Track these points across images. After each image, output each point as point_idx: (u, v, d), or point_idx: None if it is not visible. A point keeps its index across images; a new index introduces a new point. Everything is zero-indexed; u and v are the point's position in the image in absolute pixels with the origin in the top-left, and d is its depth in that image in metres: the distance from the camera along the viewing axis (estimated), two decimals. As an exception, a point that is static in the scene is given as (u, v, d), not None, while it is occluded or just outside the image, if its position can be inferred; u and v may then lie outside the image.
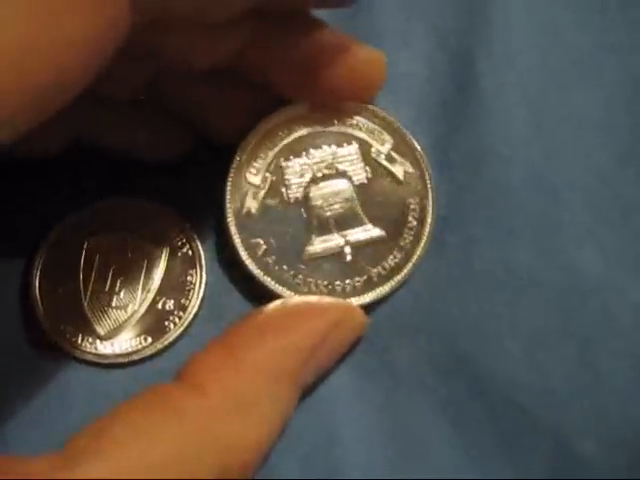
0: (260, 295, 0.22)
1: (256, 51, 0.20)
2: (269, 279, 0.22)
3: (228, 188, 0.22)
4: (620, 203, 0.23)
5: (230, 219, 0.22)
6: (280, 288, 0.22)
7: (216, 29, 0.19)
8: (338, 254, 0.22)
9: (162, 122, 0.22)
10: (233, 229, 0.22)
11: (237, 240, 0.22)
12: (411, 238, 0.22)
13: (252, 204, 0.22)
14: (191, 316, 0.22)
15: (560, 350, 0.21)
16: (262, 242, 0.22)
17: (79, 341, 0.22)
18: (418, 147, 0.22)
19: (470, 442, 0.21)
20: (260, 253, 0.22)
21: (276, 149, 0.22)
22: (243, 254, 0.22)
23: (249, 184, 0.22)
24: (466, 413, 0.21)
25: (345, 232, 0.22)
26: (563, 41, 0.24)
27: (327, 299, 0.21)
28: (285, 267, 0.22)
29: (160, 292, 0.23)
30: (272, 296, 0.22)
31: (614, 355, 0.21)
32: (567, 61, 0.24)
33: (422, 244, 0.22)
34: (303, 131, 0.22)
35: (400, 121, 0.23)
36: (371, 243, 0.22)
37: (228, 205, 0.22)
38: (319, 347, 0.19)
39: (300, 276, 0.22)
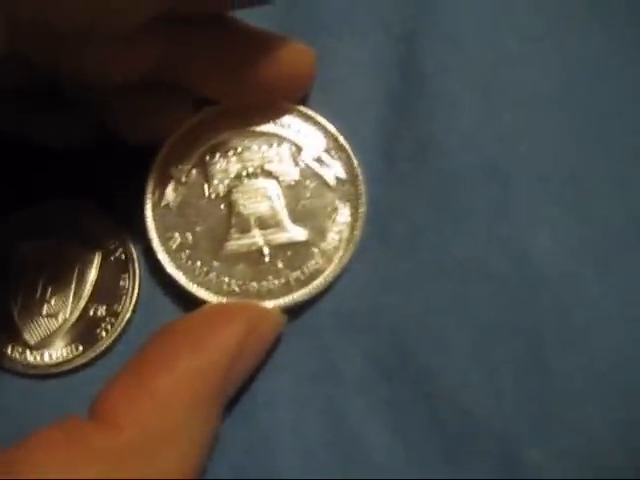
0: (191, 298, 0.21)
1: (176, 57, 0.20)
2: (180, 274, 0.21)
3: (150, 180, 0.21)
4: (575, 184, 0.21)
5: (148, 211, 0.21)
6: (190, 285, 0.21)
7: (127, 42, 0.19)
8: (256, 254, 0.21)
9: (66, 114, 0.22)
10: (149, 221, 0.21)
11: (152, 232, 0.21)
12: (336, 244, 0.21)
13: (172, 197, 0.21)
14: (124, 323, 0.21)
15: (509, 348, 0.20)
16: (177, 235, 0.21)
17: (9, 351, 0.21)
18: (351, 151, 0.22)
19: (412, 447, 0.19)
20: (174, 247, 0.21)
21: (203, 146, 0.22)
22: (157, 247, 0.21)
23: (171, 178, 0.21)
24: (409, 416, 0.20)
25: (266, 232, 0.21)
26: (515, 21, 0.23)
27: (239, 303, 0.20)
28: (199, 263, 0.21)
29: (92, 299, 0.22)
30: (189, 299, 0.21)
31: (566, 355, 0.19)
32: (517, 40, 0.22)
33: (348, 251, 0.21)
34: (232, 129, 0.22)
35: (340, 113, 0.22)
36: (292, 246, 0.21)
37: (148, 197, 0.21)
38: (236, 360, 0.18)
39: (213, 273, 0.21)
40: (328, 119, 0.22)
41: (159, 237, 0.21)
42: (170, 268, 0.21)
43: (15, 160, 0.22)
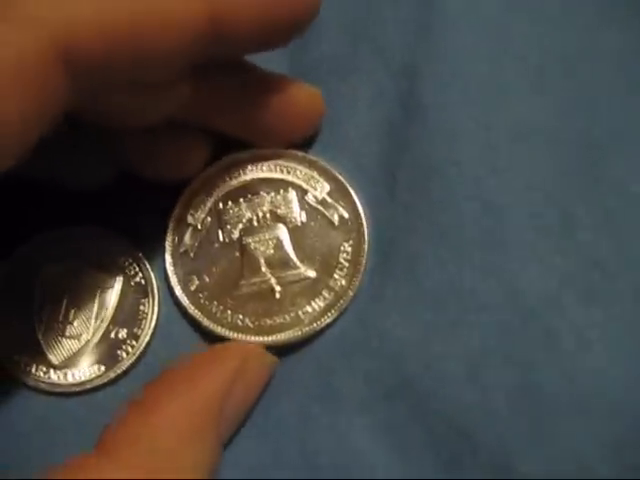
0: (204, 329, 0.23)
1: (198, 99, 0.21)
2: (198, 313, 0.23)
3: (170, 227, 0.23)
4: (564, 221, 0.22)
5: (167, 256, 0.23)
6: (208, 322, 0.22)
7: (158, 88, 0.20)
8: (268, 292, 0.23)
9: (84, 154, 0.23)
10: (169, 266, 0.23)
11: (172, 276, 0.23)
12: (342, 280, 0.23)
13: (189, 243, 0.23)
14: (144, 345, 0.23)
15: (502, 373, 0.21)
16: (195, 278, 0.23)
17: (33, 370, 0.23)
18: (352, 192, 0.23)
19: (411, 464, 0.21)
20: (193, 288, 0.23)
21: (216, 194, 0.24)
22: (177, 289, 0.23)
23: (189, 226, 0.23)
24: (407, 437, 0.21)
25: (276, 271, 0.23)
26: (510, 55, 0.24)
27: (233, 345, 0.22)
28: (215, 303, 0.23)
29: (113, 321, 0.23)
30: (205, 331, 0.23)
31: (556, 379, 0.21)
32: (516, 75, 0.24)
33: (353, 286, 0.22)
34: (243, 178, 0.24)
35: (345, 149, 0.24)
36: (301, 283, 0.23)
37: (168, 243, 0.23)
38: (227, 396, 0.20)
39: (229, 312, 0.22)
40: (333, 158, 0.24)
41: (179, 280, 0.23)
42: (190, 309, 0.23)
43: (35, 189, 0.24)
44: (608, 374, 0.21)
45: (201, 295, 0.23)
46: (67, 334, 0.23)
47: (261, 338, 0.22)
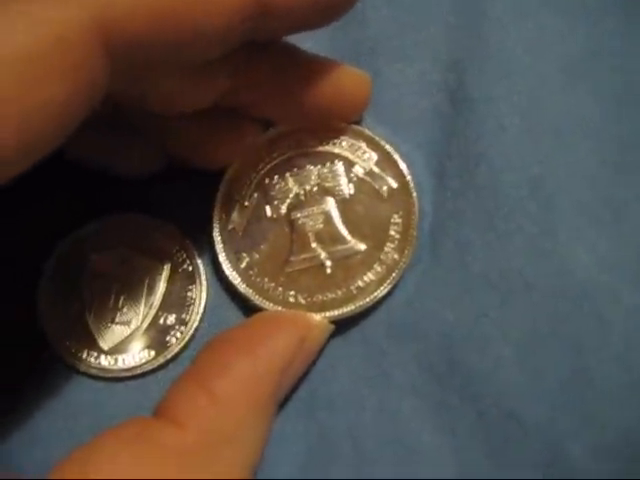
0: (253, 309, 0.23)
1: (242, 84, 0.21)
2: (250, 290, 0.22)
3: (216, 205, 0.23)
4: (612, 207, 0.23)
5: (216, 234, 0.23)
6: (260, 300, 0.22)
7: (205, 71, 0.20)
8: (318, 267, 0.23)
9: (133, 143, 0.23)
10: (219, 244, 0.23)
11: (221, 254, 0.23)
12: (393, 252, 0.22)
13: (237, 220, 0.23)
14: (192, 330, 0.23)
15: (552, 355, 0.21)
16: (245, 255, 0.23)
17: (84, 356, 0.23)
18: (401, 163, 0.23)
19: (460, 447, 0.21)
20: (243, 266, 0.23)
21: (262, 170, 0.23)
22: (226, 266, 0.23)
23: (236, 202, 0.23)
24: (457, 418, 0.21)
25: (326, 246, 0.23)
26: (553, 49, 0.24)
27: (288, 313, 0.22)
28: (266, 279, 0.23)
29: (162, 307, 0.23)
30: (254, 310, 0.22)
31: (606, 361, 0.21)
32: (556, 68, 0.24)
33: (404, 258, 0.22)
34: (288, 152, 0.23)
35: (392, 133, 0.24)
36: (352, 257, 0.23)
37: (215, 221, 0.23)
38: (287, 366, 0.20)
39: (280, 289, 0.22)
40: (378, 136, 0.24)
41: (228, 258, 0.23)
42: (241, 287, 0.23)
43: (86, 177, 0.24)
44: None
45: (251, 272, 0.23)
46: (117, 320, 0.23)
47: (314, 314, 0.22)
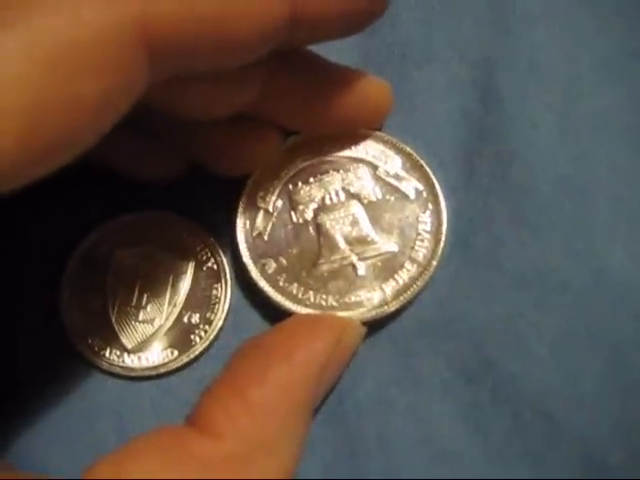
0: (279, 311, 0.22)
1: (268, 93, 0.21)
2: (280, 296, 0.22)
3: (240, 211, 0.23)
4: None
5: (241, 240, 0.23)
6: (291, 304, 0.22)
7: (235, 78, 0.20)
8: (349, 269, 0.22)
9: (157, 148, 0.23)
10: (244, 250, 0.23)
11: (248, 260, 0.22)
12: (424, 251, 0.22)
13: (262, 226, 0.23)
14: (216, 330, 0.23)
15: (589, 355, 0.21)
16: (273, 261, 0.22)
17: (107, 354, 0.23)
18: (425, 164, 0.23)
19: (494, 449, 0.21)
20: (271, 271, 0.22)
21: (285, 176, 0.23)
22: (254, 273, 0.22)
23: (260, 209, 0.23)
24: (490, 419, 0.21)
25: (356, 248, 0.22)
26: (585, 47, 0.24)
27: (321, 316, 0.21)
28: (296, 284, 0.22)
29: (186, 306, 0.23)
30: (286, 313, 0.22)
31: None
32: (589, 67, 0.24)
33: (436, 257, 0.22)
34: (311, 158, 0.23)
35: (422, 134, 0.24)
36: (383, 257, 0.22)
37: (239, 228, 0.23)
38: (324, 371, 0.19)
39: (311, 292, 0.22)
40: (407, 141, 0.23)
41: (255, 265, 0.22)
42: (270, 292, 0.22)
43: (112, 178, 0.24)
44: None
45: (279, 277, 0.22)
46: (140, 318, 0.23)
47: (347, 315, 0.22)
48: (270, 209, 0.23)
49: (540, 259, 0.22)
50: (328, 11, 0.19)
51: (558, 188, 0.22)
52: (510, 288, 0.22)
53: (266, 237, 0.23)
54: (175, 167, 0.23)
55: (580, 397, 0.20)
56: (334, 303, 0.22)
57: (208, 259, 0.23)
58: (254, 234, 0.23)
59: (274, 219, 0.23)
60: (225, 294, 0.23)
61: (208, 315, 0.23)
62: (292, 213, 0.23)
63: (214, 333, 0.23)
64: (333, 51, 0.22)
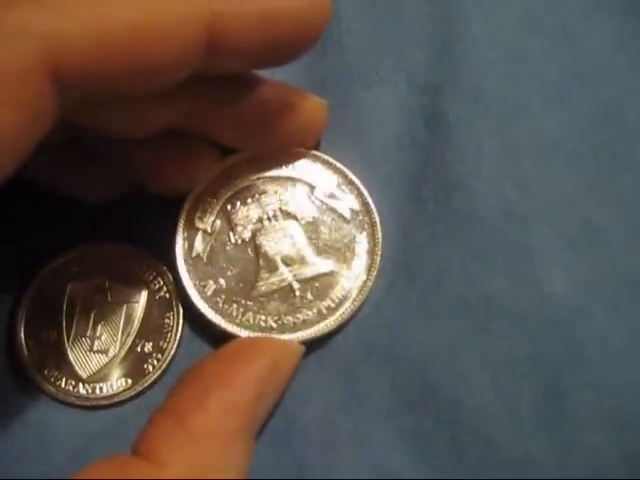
0: (226, 335, 0.23)
1: (200, 110, 0.21)
2: (220, 318, 0.22)
3: (178, 232, 0.23)
4: (588, 228, 0.23)
5: (180, 262, 0.23)
6: (230, 326, 0.22)
7: (158, 98, 0.20)
8: (286, 290, 0.23)
9: (95, 168, 0.23)
10: (183, 272, 0.23)
11: (187, 282, 0.23)
12: (359, 270, 0.23)
13: (201, 248, 0.23)
14: (169, 357, 0.23)
15: (528, 381, 0.21)
16: (211, 282, 0.23)
17: (62, 384, 0.23)
18: (360, 184, 0.23)
19: (436, 474, 0.21)
20: (210, 293, 0.23)
21: (223, 197, 0.23)
22: (194, 295, 0.23)
23: (198, 230, 0.23)
24: (432, 444, 0.21)
25: (293, 268, 0.23)
26: (530, 71, 0.24)
27: (260, 339, 0.22)
28: (235, 306, 0.23)
29: (139, 335, 0.23)
30: (227, 335, 0.22)
31: (580, 388, 0.21)
32: (534, 92, 0.24)
33: (371, 276, 0.23)
34: (249, 178, 0.24)
35: (367, 157, 0.24)
36: (319, 278, 0.23)
37: (178, 249, 0.23)
38: (262, 393, 0.20)
39: (249, 313, 0.23)
40: (359, 170, 0.24)
41: (194, 286, 0.23)
42: (209, 314, 0.23)
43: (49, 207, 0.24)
44: (632, 383, 0.21)
45: (219, 299, 0.23)
46: (95, 348, 0.23)
47: (286, 337, 0.22)
48: (209, 229, 0.23)
49: (483, 285, 0.22)
50: (248, 39, 0.19)
51: (501, 214, 0.23)
52: (454, 313, 0.22)
53: (205, 259, 0.23)
54: (116, 187, 0.24)
55: (519, 422, 0.21)
56: (273, 324, 0.22)
57: (160, 288, 0.24)
58: (193, 255, 0.23)
59: (213, 240, 0.23)
60: (177, 322, 0.23)
61: (161, 344, 0.23)
62: (230, 234, 0.23)
63: (167, 361, 0.23)
64: (278, 71, 0.22)
